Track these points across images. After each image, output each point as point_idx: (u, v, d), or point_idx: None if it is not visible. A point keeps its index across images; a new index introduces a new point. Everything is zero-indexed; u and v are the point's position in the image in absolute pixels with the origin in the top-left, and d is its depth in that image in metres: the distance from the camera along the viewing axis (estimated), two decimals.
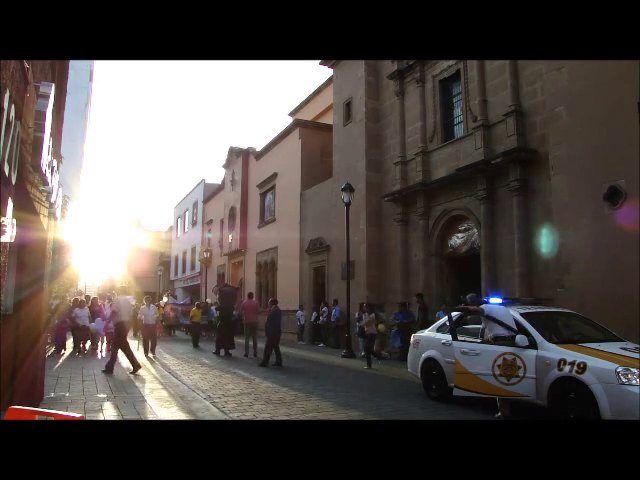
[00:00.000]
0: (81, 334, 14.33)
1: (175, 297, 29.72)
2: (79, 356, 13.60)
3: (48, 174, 5.00)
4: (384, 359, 13.71)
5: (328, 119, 21.71)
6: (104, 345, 14.94)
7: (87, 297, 19.05)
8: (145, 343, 14.34)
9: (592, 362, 5.76)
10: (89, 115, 28.56)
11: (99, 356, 13.91)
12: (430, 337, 8.64)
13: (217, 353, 14.81)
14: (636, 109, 8.12)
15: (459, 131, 14.08)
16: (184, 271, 40.27)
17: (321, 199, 19.91)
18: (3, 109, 3.19)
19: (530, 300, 8.37)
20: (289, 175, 22.84)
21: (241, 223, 28.03)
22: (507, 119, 11.96)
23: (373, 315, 12.68)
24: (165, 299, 26.61)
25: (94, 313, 15.24)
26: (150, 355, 13.80)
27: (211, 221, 34.23)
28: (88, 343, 14.68)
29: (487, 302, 7.23)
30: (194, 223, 38.45)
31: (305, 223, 21.28)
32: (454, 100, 14.48)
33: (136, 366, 10.44)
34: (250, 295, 15.92)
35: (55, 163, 5.90)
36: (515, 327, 6.71)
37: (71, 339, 14.83)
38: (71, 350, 14.40)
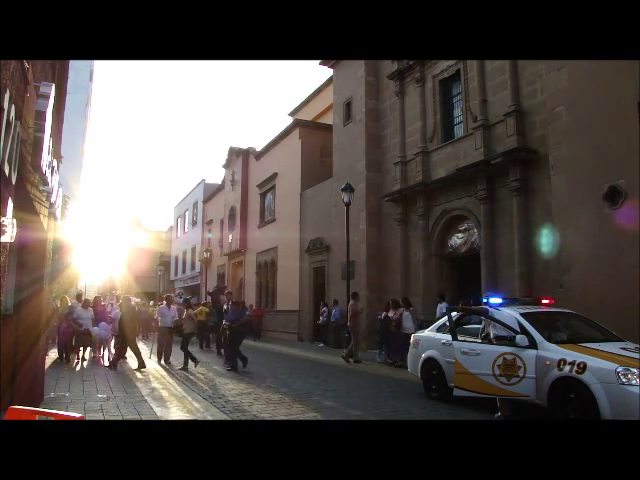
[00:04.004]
0: (82, 339, 12.52)
1: (181, 297, 29.42)
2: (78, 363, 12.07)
3: (48, 174, 5.00)
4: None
5: (328, 119, 21.71)
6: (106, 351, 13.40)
7: (80, 294, 17.04)
8: (160, 347, 12.46)
9: (592, 362, 5.76)
10: (89, 115, 28.56)
11: (104, 363, 12.25)
12: (430, 337, 8.64)
13: (219, 353, 14.78)
14: (636, 109, 8.12)
15: (459, 131, 14.08)
16: (184, 271, 40.26)
17: (321, 199, 19.91)
18: (3, 109, 3.18)
19: (530, 300, 8.36)
20: (289, 175, 22.84)
21: (241, 223, 28.02)
22: (507, 119, 11.96)
23: (191, 311, 12.11)
24: None
25: (97, 315, 13.40)
26: (163, 363, 12.10)
27: (211, 221, 34.23)
28: (88, 350, 13.00)
29: (488, 302, 7.22)
30: (194, 223, 38.45)
31: (305, 223, 21.28)
32: (454, 100, 14.48)
33: None
34: (354, 296, 14.04)
35: (55, 163, 5.90)
36: (518, 328, 6.70)
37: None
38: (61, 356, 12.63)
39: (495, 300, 7.25)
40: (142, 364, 11.10)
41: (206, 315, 17.10)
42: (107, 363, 11.42)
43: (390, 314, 12.68)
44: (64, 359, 12.23)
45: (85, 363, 12.22)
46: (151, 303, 24.19)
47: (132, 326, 11.80)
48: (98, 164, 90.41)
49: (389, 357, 12.82)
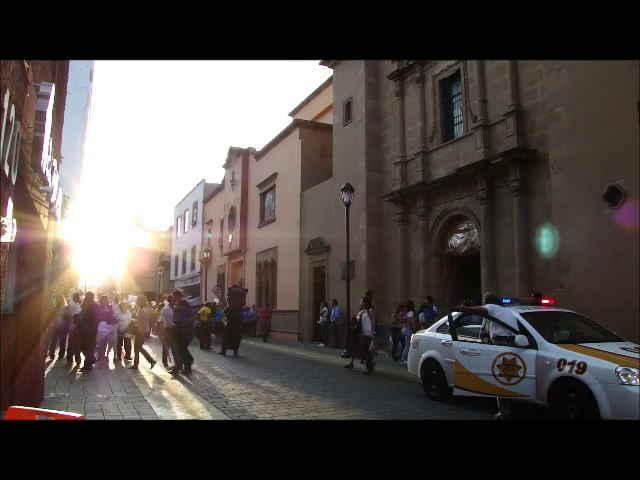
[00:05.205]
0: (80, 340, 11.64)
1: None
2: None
3: (48, 174, 5.00)
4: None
5: (328, 119, 21.71)
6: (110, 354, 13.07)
7: (78, 293, 16.35)
8: (165, 350, 12.07)
9: (592, 362, 5.76)
10: (89, 115, 28.57)
11: (109, 366, 11.81)
12: (430, 337, 8.64)
13: (223, 353, 14.75)
14: (636, 109, 8.12)
15: (459, 131, 14.08)
16: (184, 271, 40.25)
17: (321, 199, 19.91)
18: (3, 109, 3.19)
19: (530, 300, 8.37)
20: (289, 175, 22.84)
21: (241, 223, 28.02)
22: (507, 119, 11.96)
23: (145, 309, 11.65)
24: None
25: (101, 315, 12.47)
26: (169, 364, 11.71)
27: (211, 221, 34.23)
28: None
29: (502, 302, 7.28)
30: (194, 223, 38.44)
31: (305, 223, 21.27)
32: (454, 100, 14.48)
33: None
34: (369, 295, 13.12)
35: (55, 163, 5.90)
36: (518, 328, 6.70)
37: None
38: (57, 359, 12.57)
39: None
40: (80, 364, 10.85)
41: (208, 316, 17.21)
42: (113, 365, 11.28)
43: (358, 315, 11.76)
44: (73, 360, 11.82)
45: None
46: (166, 304, 23.64)
47: (92, 325, 11.52)
48: (98, 164, 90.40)
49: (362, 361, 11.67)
